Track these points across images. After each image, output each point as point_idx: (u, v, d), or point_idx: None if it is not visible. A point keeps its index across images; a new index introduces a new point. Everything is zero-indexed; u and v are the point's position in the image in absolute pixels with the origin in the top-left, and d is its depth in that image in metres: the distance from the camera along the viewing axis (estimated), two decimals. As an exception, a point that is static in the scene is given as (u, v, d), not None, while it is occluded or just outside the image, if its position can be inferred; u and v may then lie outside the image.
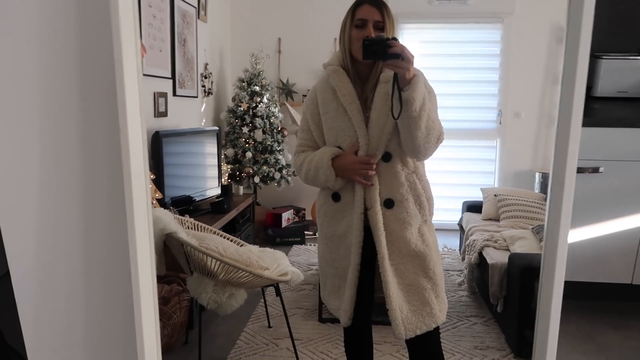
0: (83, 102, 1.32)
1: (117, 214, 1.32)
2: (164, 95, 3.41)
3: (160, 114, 3.36)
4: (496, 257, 2.86)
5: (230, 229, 3.65)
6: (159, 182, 2.97)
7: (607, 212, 2.75)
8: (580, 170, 2.70)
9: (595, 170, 2.70)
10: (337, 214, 1.73)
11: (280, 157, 4.49)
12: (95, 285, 1.40)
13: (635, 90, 3.00)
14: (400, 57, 1.46)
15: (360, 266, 1.70)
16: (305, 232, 4.64)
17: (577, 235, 2.78)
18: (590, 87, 3.05)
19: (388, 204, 1.66)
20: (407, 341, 1.73)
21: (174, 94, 3.62)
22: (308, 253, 4.30)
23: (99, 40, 1.30)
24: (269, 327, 2.88)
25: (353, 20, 1.62)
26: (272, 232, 4.52)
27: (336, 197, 1.72)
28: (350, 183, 1.69)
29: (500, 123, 4.91)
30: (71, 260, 1.37)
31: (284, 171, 4.52)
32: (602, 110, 2.94)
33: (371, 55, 1.50)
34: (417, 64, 1.53)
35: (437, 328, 1.73)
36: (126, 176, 1.18)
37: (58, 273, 1.36)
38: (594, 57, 3.04)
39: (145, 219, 1.24)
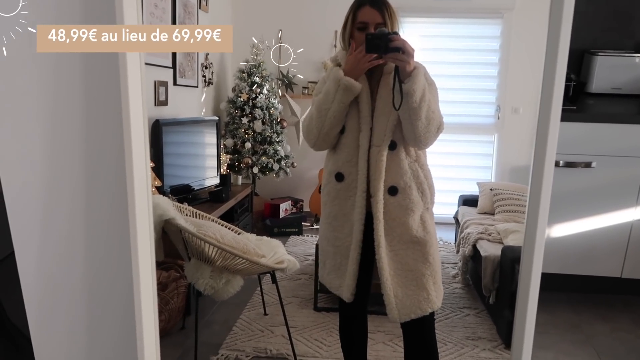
0: (87, 93, 1.36)
1: (119, 199, 1.36)
2: (164, 84, 3.44)
3: (161, 102, 3.39)
4: (489, 250, 2.90)
5: (228, 218, 3.69)
6: (158, 170, 3.00)
7: (598, 206, 2.78)
8: (572, 164, 2.74)
9: (588, 165, 2.73)
10: (341, 193, 1.76)
11: (279, 148, 4.52)
12: (97, 267, 1.45)
13: (629, 87, 3.03)
14: (401, 51, 1.52)
15: (362, 243, 1.73)
16: (302, 223, 4.69)
17: (569, 229, 2.83)
18: (585, 84, 3.08)
19: (392, 191, 1.70)
20: (402, 325, 1.79)
21: (175, 83, 3.64)
22: (305, 244, 4.35)
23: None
24: (265, 314, 2.93)
25: (355, 23, 1.65)
26: (269, 223, 4.56)
27: (339, 177, 1.75)
28: (353, 162, 1.71)
29: (498, 118, 4.93)
30: (74, 242, 1.41)
31: (282, 162, 4.56)
32: (596, 106, 2.97)
33: (373, 49, 1.55)
34: (417, 57, 1.57)
35: (433, 314, 1.79)
36: (128, 162, 1.22)
37: (61, 255, 1.40)
38: (590, 54, 3.07)
39: (145, 201, 1.28)
